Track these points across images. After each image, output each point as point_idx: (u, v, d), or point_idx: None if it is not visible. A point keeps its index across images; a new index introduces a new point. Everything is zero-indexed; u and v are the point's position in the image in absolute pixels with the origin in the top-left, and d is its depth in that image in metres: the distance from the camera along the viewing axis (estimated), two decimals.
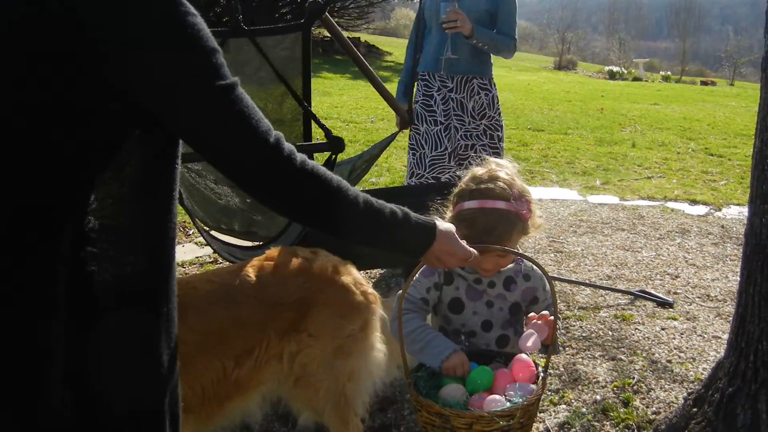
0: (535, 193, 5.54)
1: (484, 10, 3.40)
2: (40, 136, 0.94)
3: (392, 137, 2.52)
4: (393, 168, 6.34)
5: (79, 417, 0.98)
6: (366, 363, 2.06)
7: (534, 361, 1.64)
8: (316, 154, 2.33)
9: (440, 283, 1.80)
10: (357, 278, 2.14)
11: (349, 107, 9.77)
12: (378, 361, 2.09)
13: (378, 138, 7.39)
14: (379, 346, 2.10)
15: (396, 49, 19.67)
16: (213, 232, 2.85)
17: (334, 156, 1.90)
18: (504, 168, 1.79)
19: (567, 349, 3.07)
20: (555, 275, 3.89)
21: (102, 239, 0.98)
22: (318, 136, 2.36)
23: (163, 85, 0.98)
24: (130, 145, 0.99)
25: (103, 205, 0.97)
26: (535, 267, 1.79)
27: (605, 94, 14.44)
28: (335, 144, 1.81)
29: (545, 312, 1.67)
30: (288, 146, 1.09)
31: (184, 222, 4.35)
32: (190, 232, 4.38)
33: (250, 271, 1.99)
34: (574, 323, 3.34)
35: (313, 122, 2.31)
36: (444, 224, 1.37)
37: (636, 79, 21.04)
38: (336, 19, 20.96)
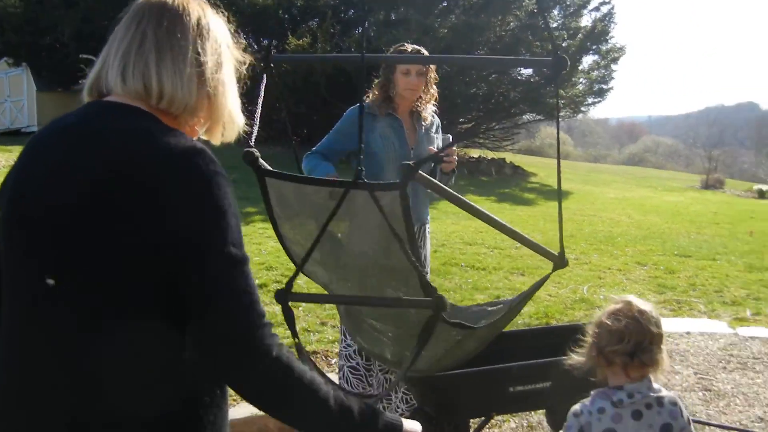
0: (683, 325, 5.40)
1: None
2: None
3: (545, 279, 2.41)
4: None
5: None
6: None
7: None
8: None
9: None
10: None
11: (494, 232, 8.62)
12: None
13: (523, 266, 7.41)
14: None
15: (541, 170, 19.33)
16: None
17: (435, 315, 1.76)
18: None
19: None
20: (703, 418, 3.72)
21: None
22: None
23: (188, 242, 1.06)
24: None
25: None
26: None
27: (754, 215, 13.74)
28: (438, 304, 1.69)
29: None
30: (275, 337, 1.11)
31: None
32: (332, 362, 4.26)
33: None
34: None
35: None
36: (410, 423, 1.34)
37: None
38: (481, 140, 21.34)
